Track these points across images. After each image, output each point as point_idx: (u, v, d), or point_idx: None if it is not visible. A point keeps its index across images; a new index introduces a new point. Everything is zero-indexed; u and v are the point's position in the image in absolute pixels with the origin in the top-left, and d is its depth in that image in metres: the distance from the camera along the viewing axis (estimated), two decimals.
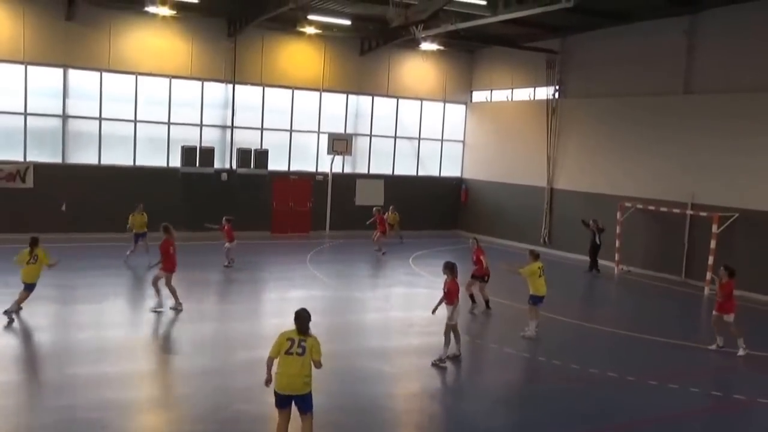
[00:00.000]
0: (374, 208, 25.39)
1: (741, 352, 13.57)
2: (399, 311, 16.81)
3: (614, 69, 24.20)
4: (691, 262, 21.17)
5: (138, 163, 24.71)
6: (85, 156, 24.05)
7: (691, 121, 21.48)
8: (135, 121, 24.51)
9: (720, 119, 20.69)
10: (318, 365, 8.07)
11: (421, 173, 30.54)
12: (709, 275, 19.75)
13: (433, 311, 12.61)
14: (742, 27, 20.25)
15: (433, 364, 12.15)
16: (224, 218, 20.43)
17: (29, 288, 13.62)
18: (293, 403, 7.96)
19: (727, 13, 20.58)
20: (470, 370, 12.58)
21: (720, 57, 20.85)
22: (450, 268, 12.59)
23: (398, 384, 11.65)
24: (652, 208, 21.96)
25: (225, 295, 17.46)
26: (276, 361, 8.00)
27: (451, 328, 12.50)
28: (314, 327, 14.64)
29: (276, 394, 7.95)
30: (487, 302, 16.50)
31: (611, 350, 14.09)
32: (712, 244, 19.91)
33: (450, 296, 12.41)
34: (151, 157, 24.98)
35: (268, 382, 8.00)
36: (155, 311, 14.68)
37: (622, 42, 23.73)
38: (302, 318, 8.21)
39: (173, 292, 14.84)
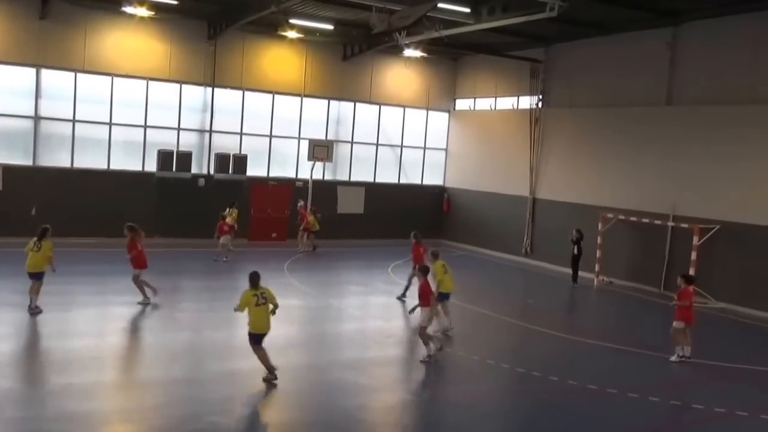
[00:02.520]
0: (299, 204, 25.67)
1: (673, 358, 13.95)
2: (377, 321, 16.75)
3: (597, 79, 24.40)
4: (671, 274, 21.25)
5: (112, 166, 24.46)
6: (57, 159, 23.75)
7: (673, 132, 21.69)
8: (110, 124, 24.27)
9: (702, 130, 20.90)
10: (275, 307, 11.32)
11: (402, 181, 30.55)
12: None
13: (411, 311, 13.05)
14: (724, 39, 20.49)
15: (422, 361, 12.76)
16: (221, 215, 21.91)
17: (34, 277, 14.30)
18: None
19: (709, 25, 20.83)
20: (449, 381, 12.54)
21: (702, 68, 21.08)
22: (422, 270, 13.02)
23: (375, 396, 11.57)
24: (633, 219, 22.10)
25: (199, 302, 17.29)
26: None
27: (423, 331, 12.71)
28: (290, 338, 14.66)
29: (257, 335, 11.11)
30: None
31: (588, 362, 14.11)
32: (693, 256, 20.06)
33: (424, 298, 12.70)
34: (126, 161, 24.73)
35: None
36: (141, 304, 15.66)
37: (606, 52, 23.93)
38: (256, 277, 11.27)
39: (141, 288, 15.72)
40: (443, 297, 15.10)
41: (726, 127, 20.28)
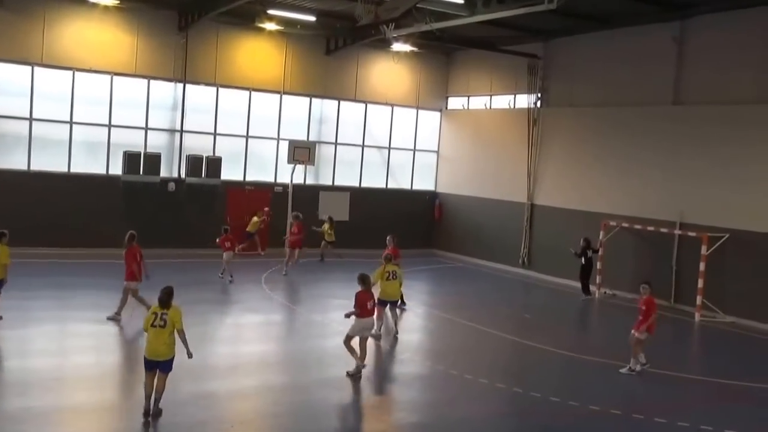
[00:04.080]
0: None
1: (624, 370, 14.30)
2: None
3: (600, 76, 24.64)
4: (681, 286, 21.52)
5: (73, 169, 24.38)
6: (11, 160, 23.62)
7: (681, 134, 21.93)
8: (71, 123, 24.20)
9: (711, 132, 21.16)
10: (181, 335, 10.41)
11: (391, 186, 30.65)
12: (699, 299, 20.10)
13: (347, 315, 13.40)
14: (736, 34, 20.76)
15: (347, 374, 12.91)
16: (223, 228, 21.92)
17: None
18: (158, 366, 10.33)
19: (719, 19, 21.09)
20: (441, 402, 12.60)
21: (711, 65, 21.33)
22: (361, 279, 13.48)
23: (362, 418, 11.63)
24: (638, 226, 22.32)
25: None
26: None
27: (349, 339, 13.03)
28: (269, 355, 14.67)
29: (145, 360, 10.34)
30: (401, 297, 18.22)
31: (592, 380, 14.22)
32: (702, 266, 20.29)
33: (359, 309, 13.14)
34: (89, 164, 24.66)
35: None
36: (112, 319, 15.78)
37: (609, 47, 24.18)
38: (166, 294, 10.45)
39: (122, 302, 15.76)
40: (381, 303, 15.66)
41: (737, 129, 20.53)
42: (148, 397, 10.31)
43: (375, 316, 15.56)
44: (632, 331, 14.42)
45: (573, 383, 13.93)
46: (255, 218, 25.60)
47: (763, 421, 12.41)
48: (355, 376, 12.92)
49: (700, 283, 20.30)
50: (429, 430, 11.48)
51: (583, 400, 12.47)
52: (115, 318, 15.78)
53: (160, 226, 24.61)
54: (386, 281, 15.93)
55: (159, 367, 10.29)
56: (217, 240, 21.71)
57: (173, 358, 10.36)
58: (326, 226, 26.16)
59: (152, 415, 10.19)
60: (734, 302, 20.28)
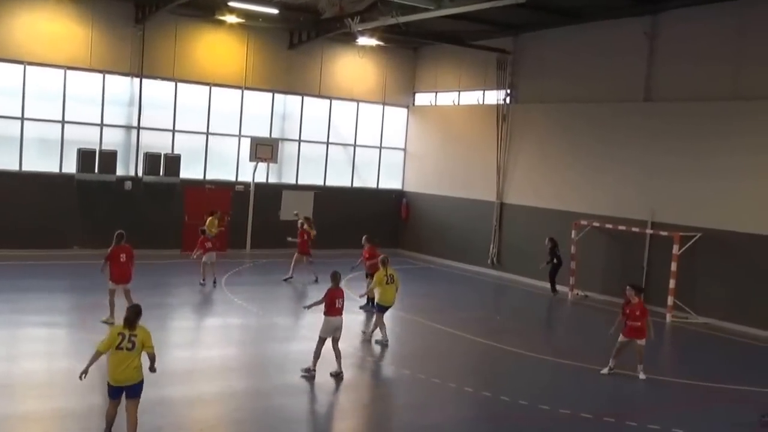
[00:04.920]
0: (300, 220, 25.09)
1: (642, 376, 14.39)
2: (329, 340, 16.70)
3: (570, 72, 24.84)
4: (651, 286, 21.74)
5: (25, 167, 23.98)
6: None
7: (652, 131, 22.19)
8: (22, 119, 23.79)
9: (682, 129, 21.44)
10: (151, 357, 9.58)
11: (356, 184, 30.62)
12: (671, 300, 20.37)
13: (306, 306, 13.69)
14: (707, 29, 21.05)
15: (302, 372, 13.01)
16: (200, 229, 21.79)
17: None
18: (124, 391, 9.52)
19: (690, 14, 21.38)
20: (408, 407, 12.59)
21: (683, 61, 21.60)
22: (333, 277, 13.47)
23: (325, 425, 11.57)
24: (609, 226, 22.54)
25: (121, 322, 16.99)
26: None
27: (321, 342, 13.05)
28: (230, 360, 14.57)
29: (110, 387, 9.49)
30: (371, 300, 18.26)
31: (561, 383, 14.33)
32: (673, 266, 20.54)
33: (327, 307, 13.13)
34: (41, 162, 24.28)
35: (82, 375, 9.45)
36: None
37: (579, 42, 24.39)
38: (133, 313, 9.63)
39: (111, 305, 15.53)
40: (380, 309, 15.83)
41: (709, 126, 20.83)
42: (109, 427, 9.67)
43: (374, 321, 15.93)
44: (625, 338, 14.51)
45: (543, 387, 14.00)
46: (210, 218, 24.65)
47: (735, 423, 12.57)
48: (309, 372, 12.98)
49: (672, 284, 20.55)
50: None
51: (553, 404, 12.54)
52: (107, 321, 15.45)
53: (116, 226, 23.96)
54: (385, 286, 15.74)
55: (127, 392, 9.45)
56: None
57: (143, 381, 9.55)
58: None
59: None
60: (706, 303, 20.57)
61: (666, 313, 20.67)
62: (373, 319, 16.33)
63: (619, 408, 12.76)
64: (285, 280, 22.53)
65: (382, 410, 12.36)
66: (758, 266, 19.56)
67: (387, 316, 17.10)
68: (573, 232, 23.33)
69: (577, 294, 23.37)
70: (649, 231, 21.74)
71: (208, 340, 16.45)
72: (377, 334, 16.02)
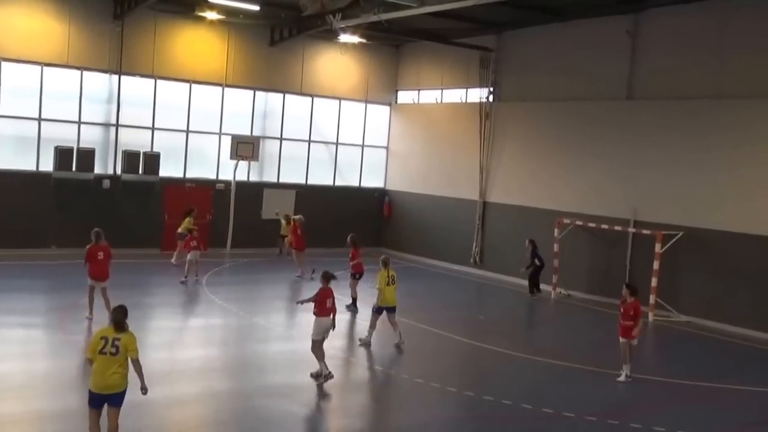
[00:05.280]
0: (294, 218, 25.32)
1: (622, 378, 14.31)
2: (309, 340, 16.68)
3: (553, 70, 24.96)
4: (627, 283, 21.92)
5: (1, 165, 23.77)
6: None
7: (634, 130, 22.35)
8: None
9: (664, 128, 21.61)
10: (136, 364, 9.05)
11: (338, 183, 30.61)
12: (653, 298, 20.55)
13: (299, 302, 13.80)
14: (690, 28, 21.24)
15: (311, 376, 12.95)
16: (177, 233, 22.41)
17: None
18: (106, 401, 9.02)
19: (673, 12, 21.55)
20: (390, 408, 12.64)
21: (665, 60, 21.78)
22: (324, 276, 13.45)
23: (306, 426, 11.58)
24: (592, 224, 22.68)
25: (98, 323, 16.87)
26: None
27: (316, 344, 12.94)
28: (210, 361, 14.53)
29: (92, 394, 8.93)
30: (354, 300, 18.92)
31: (545, 382, 14.41)
32: (656, 264, 20.72)
33: (318, 307, 13.06)
34: (17, 159, 24.10)
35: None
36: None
37: (562, 41, 24.51)
38: (119, 314, 9.13)
39: (90, 302, 15.80)
40: (381, 310, 15.65)
41: (691, 124, 21.01)
42: None
43: (369, 325, 15.84)
44: (623, 339, 14.44)
45: (527, 386, 14.08)
46: (188, 219, 24.57)
47: (717, 421, 12.71)
48: (318, 379, 12.87)
49: (654, 282, 20.70)
50: None
51: (536, 403, 12.62)
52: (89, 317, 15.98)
53: (94, 226, 23.90)
54: (386, 287, 15.66)
55: (109, 401, 8.98)
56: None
57: (126, 390, 9.07)
58: (284, 222, 26.23)
59: None
60: (689, 301, 20.77)
61: (649, 312, 20.82)
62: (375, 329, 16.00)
63: (602, 407, 12.84)
64: (311, 277, 22.48)
65: (364, 411, 12.39)
66: (740, 265, 19.77)
67: (366, 316, 17.12)
68: (556, 231, 23.45)
69: (560, 293, 23.49)
70: (631, 229, 21.91)
71: (188, 341, 16.41)
72: (362, 333, 16.03)
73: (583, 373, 15.01)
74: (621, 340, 14.51)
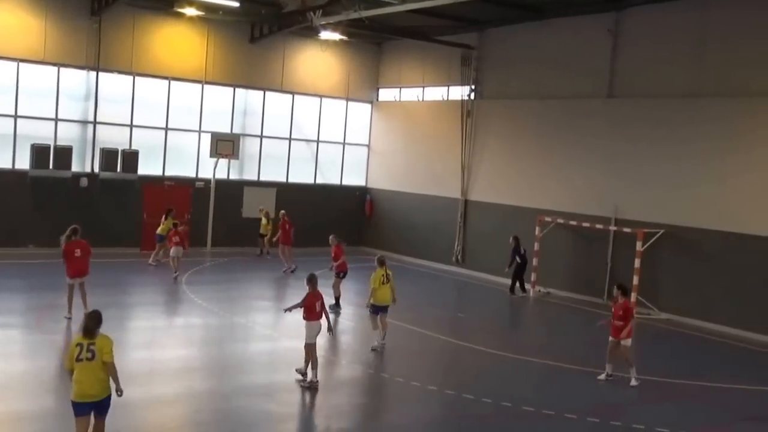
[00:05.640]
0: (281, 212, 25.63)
1: (634, 382, 14.23)
2: (290, 340, 16.70)
3: (535, 68, 25.10)
4: (614, 283, 22.04)
5: None
6: None
7: (615, 128, 22.55)
8: None
9: (645, 126, 21.81)
10: (111, 369, 8.78)
11: (319, 181, 30.62)
12: (634, 297, 20.74)
13: (286, 309, 13.62)
14: (670, 26, 21.45)
15: (302, 385, 12.81)
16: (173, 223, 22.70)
17: None
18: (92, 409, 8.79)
19: (653, 11, 21.76)
20: (371, 407, 12.68)
21: (646, 58, 21.98)
22: (309, 280, 13.27)
23: (286, 426, 11.61)
24: (573, 222, 22.84)
25: (78, 323, 16.83)
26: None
27: (309, 348, 12.85)
28: (190, 361, 14.52)
29: (74, 403, 8.69)
30: (337, 299, 18.85)
31: (526, 381, 14.54)
32: (636, 262, 20.91)
33: (307, 312, 12.95)
34: None
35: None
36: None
37: (544, 38, 24.66)
38: (92, 320, 8.88)
39: (69, 300, 15.84)
40: (376, 310, 15.57)
41: (671, 122, 21.21)
42: None
43: (371, 326, 15.75)
44: (610, 338, 14.43)
45: (506, 384, 14.19)
46: (169, 220, 24.03)
47: (697, 419, 12.86)
48: (301, 379, 12.90)
49: (635, 280, 20.89)
50: None
51: (516, 401, 12.73)
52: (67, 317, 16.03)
53: (71, 224, 23.94)
54: (381, 286, 15.51)
55: (94, 409, 8.73)
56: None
57: (110, 396, 8.82)
58: (264, 221, 26.39)
59: None
60: (669, 299, 20.98)
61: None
62: (378, 329, 15.79)
63: (582, 405, 12.97)
64: (291, 271, 23.87)
65: (344, 410, 12.42)
66: (720, 263, 20.00)
67: (347, 315, 17.22)
68: (537, 229, 23.60)
69: (539, 291, 23.64)
70: (612, 227, 22.09)
71: (168, 341, 16.36)
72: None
73: (564, 372, 15.14)
74: (610, 339, 14.53)
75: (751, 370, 16.45)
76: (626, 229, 21.52)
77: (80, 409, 8.67)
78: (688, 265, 20.59)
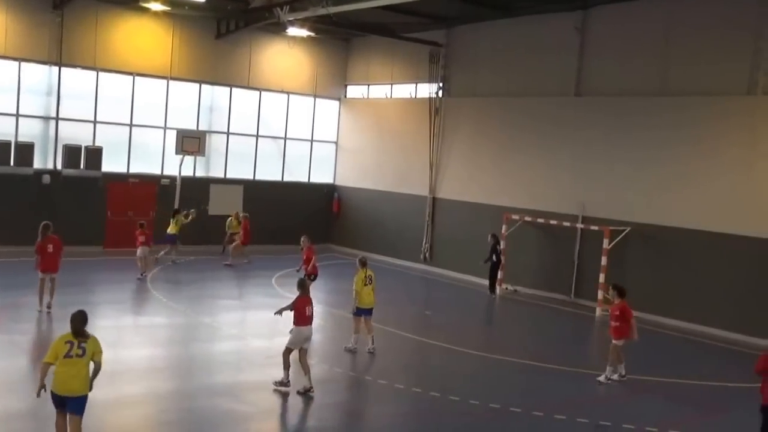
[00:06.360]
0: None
1: (601, 379, 14.40)
2: (257, 340, 16.70)
3: (503, 66, 25.25)
4: (581, 281, 22.39)
5: None
6: None
7: (583, 126, 22.76)
8: None
9: (611, 124, 22.06)
10: (97, 368, 9.15)
11: (287, 178, 30.52)
12: (601, 294, 20.98)
13: (277, 312, 13.17)
14: (635, 25, 21.71)
15: (274, 385, 12.65)
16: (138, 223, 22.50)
17: None
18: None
19: (619, 10, 22.00)
20: (337, 406, 12.68)
21: (612, 56, 22.22)
22: (300, 285, 13.11)
23: (252, 426, 11.57)
24: (540, 220, 23.03)
25: (44, 323, 16.65)
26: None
27: (288, 351, 12.66)
28: (155, 360, 14.41)
29: (55, 396, 8.95)
30: None
31: (494, 378, 14.64)
32: (603, 260, 21.14)
33: (297, 316, 12.75)
34: None
35: (39, 391, 8.97)
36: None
37: (512, 36, 24.81)
38: (78, 320, 9.15)
39: (40, 294, 16.41)
40: (360, 312, 15.35)
41: (638, 120, 21.46)
42: None
43: (353, 328, 15.48)
44: (613, 341, 14.48)
45: (475, 382, 14.27)
46: (179, 218, 24.40)
47: (661, 414, 13.02)
48: (280, 386, 12.58)
49: (602, 278, 21.13)
50: None
51: (483, 399, 12.81)
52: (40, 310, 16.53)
53: (34, 222, 23.49)
54: (363, 287, 15.27)
55: (70, 405, 8.96)
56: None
57: (86, 396, 9.06)
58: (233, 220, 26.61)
59: None
60: (635, 296, 21.06)
61: (596, 307, 21.28)
62: (358, 332, 15.56)
63: (549, 402, 13.09)
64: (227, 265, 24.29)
65: (311, 408, 12.40)
66: (685, 260, 20.28)
67: (315, 313, 17.10)
68: (504, 227, 23.75)
69: (506, 288, 23.78)
70: (579, 225, 22.30)
71: (133, 340, 16.19)
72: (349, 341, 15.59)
73: (532, 369, 15.25)
74: (613, 341, 14.52)
75: (711, 366, 16.75)
76: (593, 227, 21.74)
77: (60, 401, 8.96)
78: (653, 262, 20.84)
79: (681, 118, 20.54)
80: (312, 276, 19.00)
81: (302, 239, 19.70)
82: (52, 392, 8.97)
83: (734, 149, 19.59)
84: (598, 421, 12.16)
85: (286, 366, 12.66)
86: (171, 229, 24.22)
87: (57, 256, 16.65)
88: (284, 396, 12.45)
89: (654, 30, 21.30)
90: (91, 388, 9.15)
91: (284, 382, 12.60)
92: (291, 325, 12.85)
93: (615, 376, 14.50)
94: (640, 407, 13.38)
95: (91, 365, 9.11)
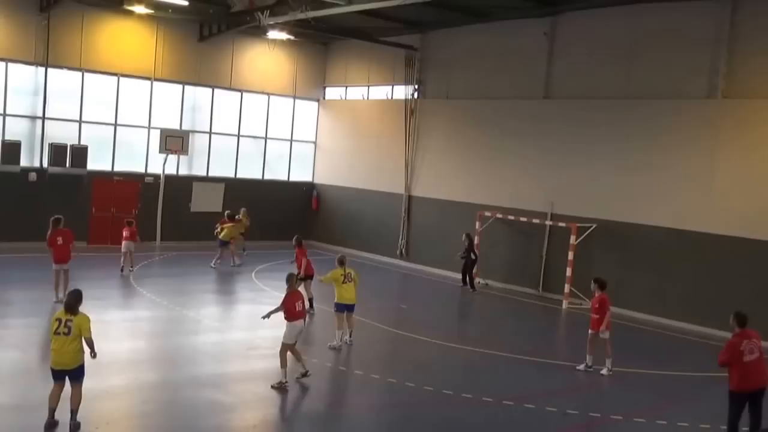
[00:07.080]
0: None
1: (604, 372, 14.51)
2: (239, 332, 16.64)
3: (475, 69, 25.31)
4: (549, 275, 22.52)
5: None
6: None
7: (551, 127, 22.88)
8: None
9: (578, 125, 22.20)
10: (89, 343, 9.80)
11: (267, 177, 30.40)
12: (567, 287, 21.14)
13: (264, 316, 12.86)
14: (602, 31, 21.85)
15: (273, 387, 12.31)
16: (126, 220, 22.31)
17: None
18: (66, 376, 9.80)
19: (587, 17, 22.13)
20: (318, 397, 12.65)
21: (579, 61, 22.35)
22: (288, 280, 12.98)
23: (234, 416, 11.51)
24: (511, 217, 23.13)
25: (26, 316, 16.44)
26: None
27: (286, 348, 12.54)
28: (138, 352, 14.30)
29: (54, 370, 9.75)
30: (311, 301, 17.77)
31: (467, 369, 14.69)
32: (570, 255, 21.27)
33: (288, 312, 12.61)
34: None
35: None
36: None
37: (484, 41, 24.88)
38: (73, 298, 9.88)
39: (56, 285, 16.78)
40: (340, 308, 15.29)
41: (603, 122, 21.64)
42: (51, 411, 9.70)
43: (336, 325, 15.32)
44: (590, 331, 14.59)
45: (448, 373, 14.31)
46: (229, 225, 23.77)
47: (629, 404, 13.10)
48: (278, 387, 12.33)
49: (569, 272, 21.27)
50: (301, 425, 11.54)
51: (457, 390, 12.84)
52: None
53: (20, 219, 23.43)
54: (342, 285, 15.25)
55: (69, 376, 9.75)
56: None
57: (82, 365, 9.82)
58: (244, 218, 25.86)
59: (71, 429, 9.65)
60: None
61: (563, 300, 21.42)
62: (342, 329, 15.39)
63: (519, 392, 13.15)
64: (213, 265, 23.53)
65: (289, 399, 12.35)
66: (647, 255, 20.47)
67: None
68: (477, 223, 23.83)
69: (479, 282, 23.85)
70: (548, 222, 22.43)
71: (117, 333, 16.03)
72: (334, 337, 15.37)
73: (503, 360, 15.32)
74: (590, 332, 14.67)
75: (676, 357, 16.91)
76: (561, 224, 21.87)
77: (56, 374, 9.75)
78: (618, 257, 20.99)
79: (644, 119, 20.71)
80: (309, 277, 18.35)
81: (294, 239, 18.95)
82: (50, 366, 9.78)
83: (695, 149, 19.79)
84: (566, 409, 12.22)
85: (284, 364, 12.45)
86: (224, 236, 23.44)
87: (67, 248, 17.10)
88: (265, 387, 12.38)
89: (619, 36, 21.46)
90: (94, 356, 9.84)
91: (283, 383, 12.35)
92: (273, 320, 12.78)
93: (604, 371, 14.52)
94: (604, 397, 13.47)
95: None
